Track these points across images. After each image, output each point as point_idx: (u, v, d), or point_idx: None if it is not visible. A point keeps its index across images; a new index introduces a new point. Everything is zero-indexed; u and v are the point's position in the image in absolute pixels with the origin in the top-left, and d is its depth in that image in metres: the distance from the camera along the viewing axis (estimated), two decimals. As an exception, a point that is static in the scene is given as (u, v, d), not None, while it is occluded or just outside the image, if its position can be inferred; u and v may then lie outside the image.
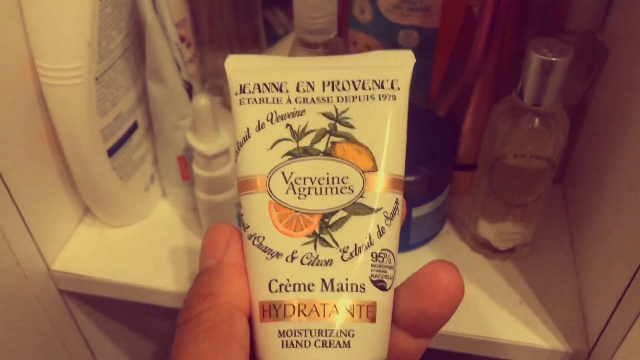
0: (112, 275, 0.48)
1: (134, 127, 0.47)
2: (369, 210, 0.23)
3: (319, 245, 0.23)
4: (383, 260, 0.23)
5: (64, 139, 0.43)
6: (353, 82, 0.24)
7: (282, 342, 0.22)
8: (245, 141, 0.24)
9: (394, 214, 0.23)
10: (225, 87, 0.64)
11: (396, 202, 0.24)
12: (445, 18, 0.48)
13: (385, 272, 0.23)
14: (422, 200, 0.45)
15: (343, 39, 0.54)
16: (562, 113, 0.40)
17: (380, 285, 0.23)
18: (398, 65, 0.24)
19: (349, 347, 0.22)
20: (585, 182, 0.49)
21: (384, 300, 0.23)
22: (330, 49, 0.43)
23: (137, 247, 0.50)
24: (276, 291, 0.22)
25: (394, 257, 0.23)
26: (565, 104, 0.42)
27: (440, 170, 0.45)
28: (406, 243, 0.48)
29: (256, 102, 0.24)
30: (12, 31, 0.39)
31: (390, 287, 0.23)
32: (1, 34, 0.38)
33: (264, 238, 0.23)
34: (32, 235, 0.45)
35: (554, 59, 0.37)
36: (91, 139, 0.43)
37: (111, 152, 0.45)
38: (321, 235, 0.23)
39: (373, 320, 0.22)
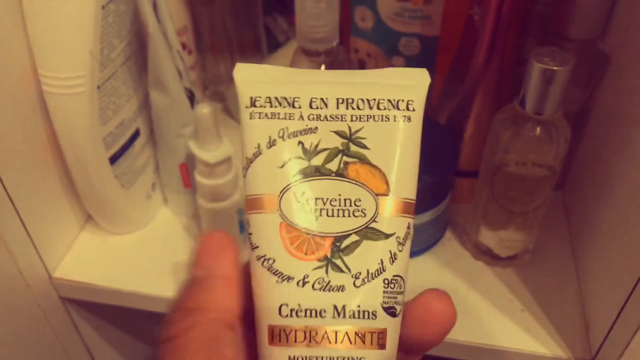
0: (114, 283, 0.48)
1: (135, 135, 0.47)
2: (382, 235, 0.23)
3: (330, 270, 0.22)
4: (394, 287, 0.23)
5: (66, 147, 0.43)
6: (368, 101, 0.23)
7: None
8: (255, 158, 0.23)
9: (406, 239, 0.23)
10: (226, 93, 0.64)
11: (408, 227, 0.23)
12: (447, 26, 0.48)
13: (396, 297, 0.23)
14: (424, 207, 0.46)
15: (344, 46, 0.55)
16: (563, 121, 0.40)
17: (391, 311, 0.22)
18: (413, 84, 0.24)
19: None
20: (587, 189, 0.49)
21: (393, 326, 0.22)
22: (332, 57, 0.43)
23: (139, 254, 0.50)
24: (287, 316, 0.22)
25: (404, 282, 0.23)
26: (566, 111, 0.42)
27: (441, 177, 0.45)
28: (408, 250, 0.48)
29: (267, 117, 0.23)
30: (14, 40, 0.39)
31: (399, 313, 0.23)
32: (4, 43, 0.38)
33: (274, 260, 0.23)
34: (34, 243, 0.45)
35: (555, 67, 0.37)
36: (93, 147, 0.43)
37: (113, 160, 0.45)
38: (333, 260, 0.22)
39: (383, 346, 0.22)
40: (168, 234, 0.52)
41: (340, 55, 0.44)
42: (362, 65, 0.54)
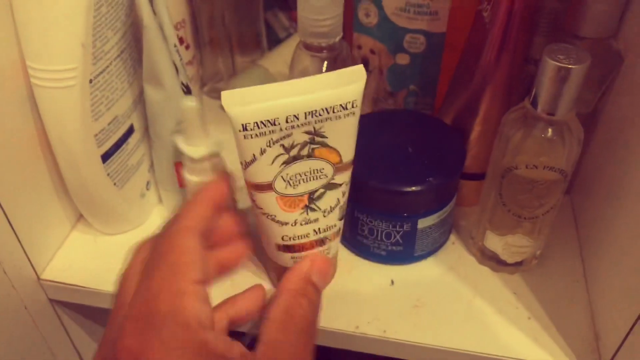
0: (106, 285, 0.46)
1: (129, 132, 0.45)
2: (338, 185, 0.37)
3: (309, 212, 0.38)
4: (344, 207, 0.39)
5: (56, 143, 0.41)
6: (326, 109, 0.34)
7: (293, 260, 0.40)
8: (252, 162, 0.35)
9: (349, 182, 0.38)
10: (224, 88, 0.62)
11: (350, 177, 0.38)
12: (454, 22, 0.47)
13: (344, 212, 0.40)
14: (428, 211, 0.44)
15: (348, 42, 0.53)
16: (576, 122, 0.39)
17: (341, 218, 0.40)
18: (356, 83, 0.34)
19: (330, 254, 0.41)
20: (596, 193, 0.47)
21: (341, 223, 0.40)
22: (335, 52, 0.42)
23: (132, 255, 0.48)
24: (287, 240, 0.39)
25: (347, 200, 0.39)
26: (577, 113, 0.41)
27: (447, 180, 0.43)
28: (411, 255, 0.46)
29: (257, 136, 0.34)
30: (1, 30, 0.37)
31: (344, 215, 0.40)
32: (-9, 33, 0.37)
33: (275, 215, 0.38)
34: (21, 243, 0.43)
35: (570, 66, 0.35)
36: (84, 144, 0.41)
37: (105, 157, 0.43)
38: (310, 206, 0.38)
39: (339, 235, 0.41)
40: (162, 235, 0.50)
41: (344, 51, 0.42)
42: (365, 63, 0.52)
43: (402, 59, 0.50)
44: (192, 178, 0.42)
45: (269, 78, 0.58)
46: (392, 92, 0.53)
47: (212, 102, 0.63)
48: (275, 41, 0.65)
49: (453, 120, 0.49)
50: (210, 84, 0.63)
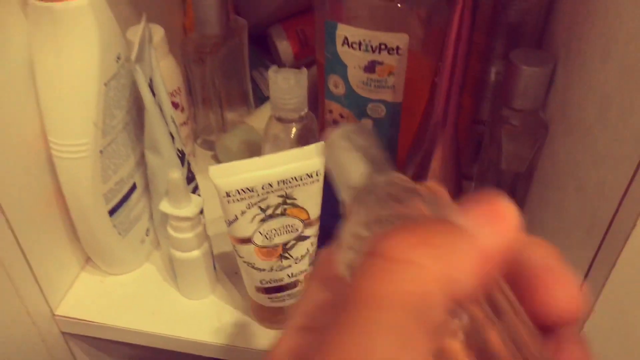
0: (111, 320, 0.53)
1: (133, 189, 0.53)
2: (307, 237, 0.46)
3: (283, 260, 0.47)
4: (313, 254, 0.48)
5: (71, 202, 0.49)
6: (295, 178, 0.42)
7: (270, 300, 0.49)
8: (234, 221, 0.44)
9: (317, 235, 0.47)
10: (216, 142, 0.70)
11: (317, 230, 0.46)
12: (409, 94, 0.55)
13: (314, 257, 0.48)
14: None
15: (320, 107, 0.61)
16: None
17: (311, 263, 0.48)
18: (318, 156, 0.42)
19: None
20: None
21: (311, 267, 0.48)
22: (302, 123, 0.50)
23: (134, 293, 0.56)
24: (264, 284, 0.48)
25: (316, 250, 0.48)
26: (514, 171, 0.48)
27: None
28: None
29: (239, 200, 0.42)
30: (29, 111, 0.45)
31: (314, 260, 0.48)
32: (20, 114, 0.45)
33: (254, 263, 0.46)
34: (38, 283, 0.50)
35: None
36: (94, 202, 0.49)
37: (112, 211, 0.51)
38: (283, 255, 0.46)
39: None
40: (160, 275, 0.57)
41: (309, 122, 0.50)
42: (336, 124, 0.60)
43: (366, 123, 0.58)
44: (176, 235, 0.49)
45: (254, 134, 0.66)
46: (359, 149, 0.61)
47: (203, 153, 0.71)
48: (260, 98, 0.73)
49: (413, 175, 0.57)
50: (202, 136, 0.71)
